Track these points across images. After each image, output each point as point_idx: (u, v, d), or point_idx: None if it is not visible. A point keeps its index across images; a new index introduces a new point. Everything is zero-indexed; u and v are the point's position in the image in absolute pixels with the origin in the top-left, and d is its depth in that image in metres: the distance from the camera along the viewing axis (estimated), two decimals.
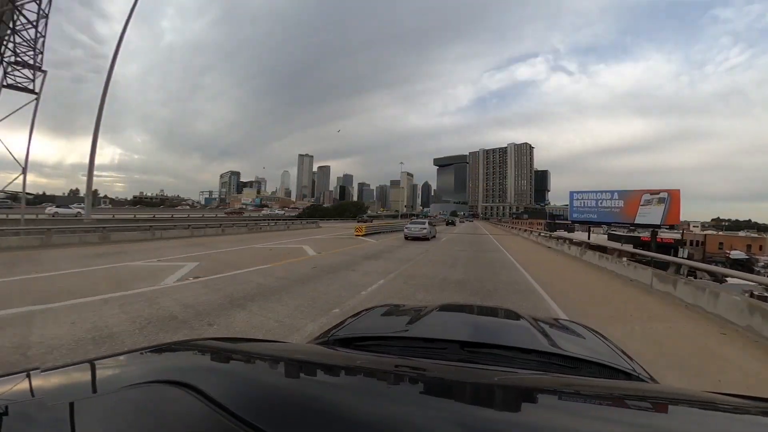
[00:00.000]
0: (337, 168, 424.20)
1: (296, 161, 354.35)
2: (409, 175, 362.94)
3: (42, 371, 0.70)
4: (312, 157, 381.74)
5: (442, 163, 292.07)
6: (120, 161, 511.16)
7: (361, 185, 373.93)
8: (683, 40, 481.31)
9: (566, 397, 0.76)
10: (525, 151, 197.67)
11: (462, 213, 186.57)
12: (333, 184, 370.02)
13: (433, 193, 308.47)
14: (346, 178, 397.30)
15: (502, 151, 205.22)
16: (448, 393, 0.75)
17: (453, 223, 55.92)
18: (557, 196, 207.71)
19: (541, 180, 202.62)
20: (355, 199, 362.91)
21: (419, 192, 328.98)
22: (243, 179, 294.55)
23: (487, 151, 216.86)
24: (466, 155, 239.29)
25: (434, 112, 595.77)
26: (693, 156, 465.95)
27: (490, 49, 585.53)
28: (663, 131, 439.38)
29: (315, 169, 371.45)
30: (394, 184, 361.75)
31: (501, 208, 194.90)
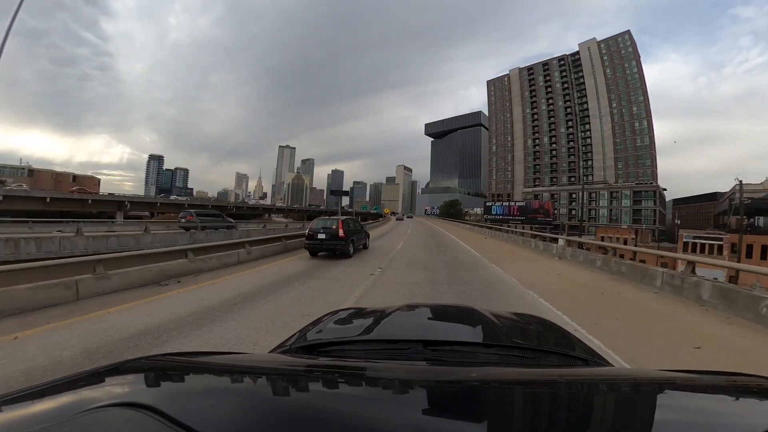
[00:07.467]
0: (338, 168, 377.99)
1: (298, 161, 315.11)
2: (407, 169, 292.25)
3: None
4: (294, 149, 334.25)
5: (438, 131, 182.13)
6: (129, 160, 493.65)
7: (356, 183, 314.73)
8: (702, 40, 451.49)
9: (536, 386, 0.77)
10: (626, 55, 71.75)
11: (473, 209, 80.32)
12: (324, 180, 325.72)
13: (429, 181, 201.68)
14: (336, 175, 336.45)
15: (568, 64, 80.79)
16: (419, 393, 0.74)
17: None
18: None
19: None
20: (346, 200, 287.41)
21: (420, 190, 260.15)
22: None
23: (529, 71, 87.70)
24: (479, 112, 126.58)
25: (446, 113, 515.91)
26: (707, 160, 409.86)
27: (504, 48, 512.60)
28: (678, 134, 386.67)
29: (299, 164, 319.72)
30: (390, 181, 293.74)
31: (588, 197, 65.68)
